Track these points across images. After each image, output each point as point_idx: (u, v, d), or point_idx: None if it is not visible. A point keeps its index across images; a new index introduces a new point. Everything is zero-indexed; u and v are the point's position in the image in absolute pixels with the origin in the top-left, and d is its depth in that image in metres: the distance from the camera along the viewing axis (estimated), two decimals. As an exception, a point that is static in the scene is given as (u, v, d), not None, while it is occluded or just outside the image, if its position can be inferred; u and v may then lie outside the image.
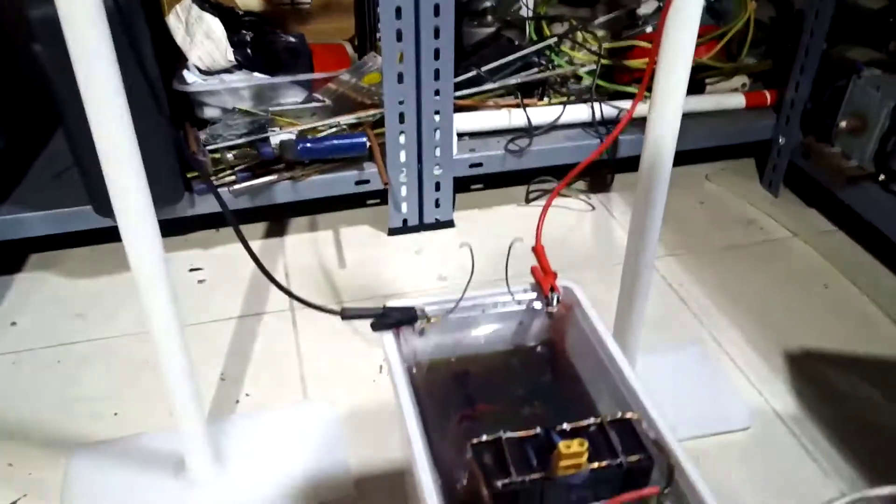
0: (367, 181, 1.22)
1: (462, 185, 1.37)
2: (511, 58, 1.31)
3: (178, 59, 1.19)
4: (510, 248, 0.63)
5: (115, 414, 0.94)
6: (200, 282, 1.18)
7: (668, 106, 0.77)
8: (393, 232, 1.29)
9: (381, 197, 1.32)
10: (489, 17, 1.43)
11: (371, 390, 0.98)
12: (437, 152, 1.22)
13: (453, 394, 0.61)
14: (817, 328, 1.10)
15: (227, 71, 1.18)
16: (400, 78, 1.13)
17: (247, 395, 0.97)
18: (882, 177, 1.16)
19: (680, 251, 1.26)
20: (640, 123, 1.21)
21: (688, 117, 1.37)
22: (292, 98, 1.23)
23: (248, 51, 1.18)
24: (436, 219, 1.29)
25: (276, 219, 1.32)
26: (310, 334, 1.07)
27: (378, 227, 1.31)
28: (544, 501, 0.49)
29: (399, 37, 1.09)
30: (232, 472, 0.85)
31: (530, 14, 1.42)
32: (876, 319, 1.12)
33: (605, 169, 1.35)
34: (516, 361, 0.66)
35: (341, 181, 1.21)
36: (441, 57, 1.13)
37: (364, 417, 0.93)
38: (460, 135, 1.29)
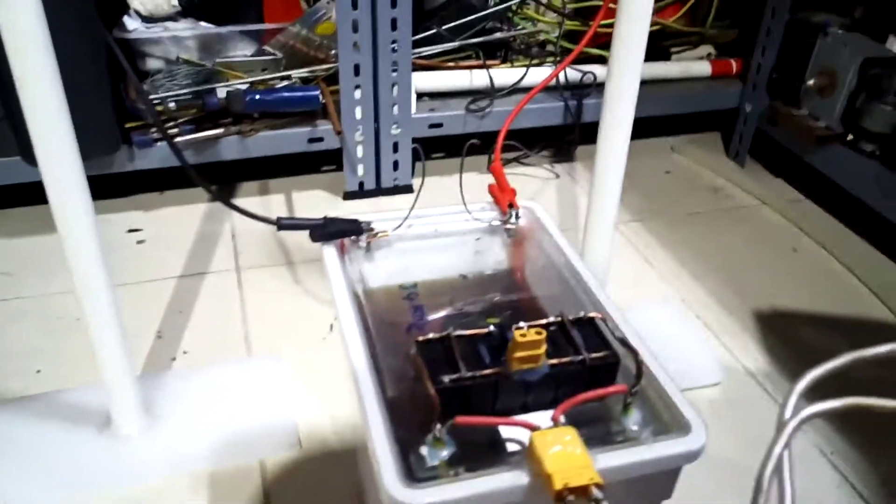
0: (320, 139, 1.16)
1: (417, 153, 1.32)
2: (471, 18, 1.26)
3: (121, 6, 1.12)
4: (465, 149, 0.57)
5: (38, 371, 0.86)
6: (140, 242, 1.10)
7: (628, 59, 0.72)
8: (349, 196, 1.22)
9: (337, 163, 1.26)
10: (450, -18, 1.39)
11: (320, 348, 0.91)
12: (395, 110, 1.16)
13: (402, 316, 0.55)
14: (786, 289, 1.06)
15: (172, 19, 1.12)
16: (355, 26, 1.07)
17: (185, 352, 0.90)
18: (850, 136, 1.14)
19: (646, 217, 1.22)
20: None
21: (653, 84, 1.36)
22: (241, 50, 1.16)
23: (194, -3, 1.11)
24: (394, 183, 1.23)
25: (226, 182, 1.25)
26: (256, 294, 1.00)
27: (333, 192, 1.24)
28: (499, 399, 0.44)
29: (354, -19, 1.04)
30: (163, 426, 0.77)
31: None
32: (845, 279, 1.08)
33: (569, 135, 1.31)
34: (472, 286, 0.59)
35: (293, 138, 1.15)
36: (398, 5, 1.08)
37: (313, 375, 0.86)
38: (420, 95, 1.24)
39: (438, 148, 1.36)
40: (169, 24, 1.11)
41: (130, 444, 0.75)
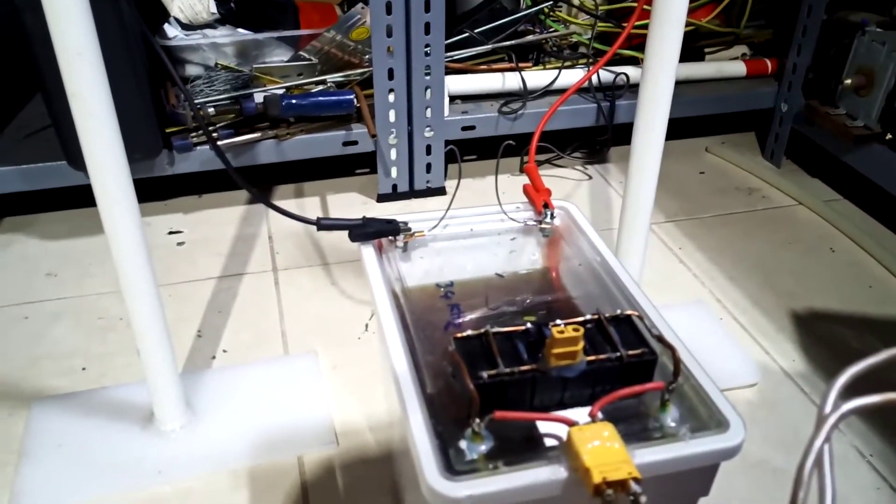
0: (355, 142, 1.17)
1: (450, 155, 1.33)
2: (503, 21, 1.27)
3: (162, 14, 1.15)
4: (501, 149, 0.58)
5: (83, 369, 0.89)
6: (180, 244, 1.13)
7: (663, 61, 0.72)
8: (382, 198, 1.24)
9: (371, 166, 1.27)
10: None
11: (356, 347, 0.92)
12: (428, 113, 1.18)
13: (440, 314, 0.56)
14: (824, 290, 1.05)
15: (210, 26, 1.14)
16: (389, 31, 1.09)
17: (224, 351, 0.92)
18: (889, 136, 1.12)
19: (680, 217, 1.22)
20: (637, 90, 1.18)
21: (688, 84, 1.35)
22: (277, 56, 1.19)
23: (232, 5, 1.13)
24: (427, 185, 1.24)
25: (262, 185, 1.27)
26: (293, 294, 1.02)
27: (367, 194, 1.26)
28: (536, 395, 0.44)
29: (388, -13, 1.05)
30: (204, 423, 0.79)
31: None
32: (885, 280, 1.07)
33: (602, 136, 1.31)
34: (508, 285, 0.60)
35: (328, 142, 1.16)
36: (431, 9, 1.09)
37: (349, 373, 0.88)
38: (452, 98, 1.25)
39: (471, 150, 1.36)
40: (208, 31, 1.14)
41: (172, 440, 0.77)
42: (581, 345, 0.43)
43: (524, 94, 1.25)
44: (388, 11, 1.07)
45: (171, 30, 1.13)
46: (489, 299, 0.57)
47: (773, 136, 1.36)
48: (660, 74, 0.75)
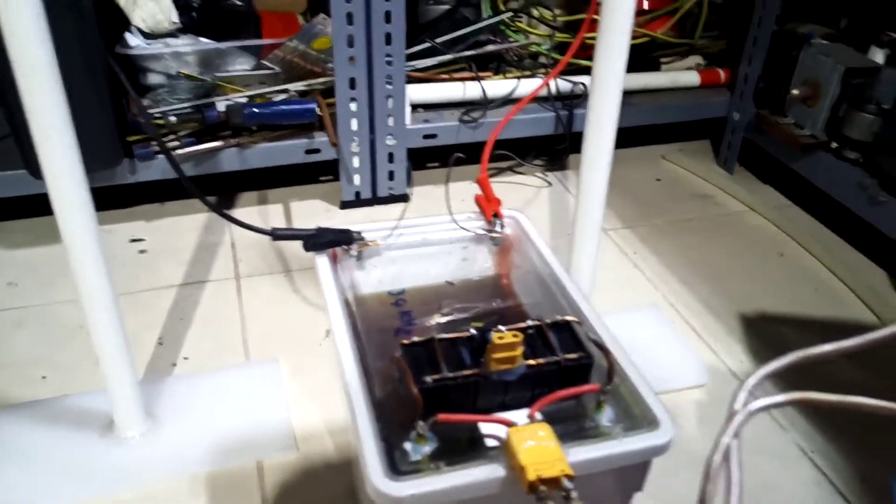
0: (317, 150, 1.19)
1: (418, 163, 1.35)
2: (464, 31, 1.30)
3: (124, 23, 1.15)
4: (451, 160, 0.60)
5: (44, 377, 0.89)
6: (142, 252, 1.13)
7: (610, 71, 0.75)
8: (346, 205, 1.25)
9: (334, 173, 1.29)
10: (445, -4, 1.42)
11: (317, 353, 0.94)
12: (390, 121, 1.19)
13: (391, 321, 0.58)
14: (773, 293, 1.08)
15: (172, 35, 1.15)
16: (350, 41, 1.10)
17: (185, 358, 0.93)
18: (834, 144, 1.17)
19: (636, 223, 1.25)
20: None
21: (643, 94, 1.39)
22: (240, 65, 1.20)
23: (194, 14, 1.14)
24: (390, 192, 1.26)
25: (225, 193, 1.28)
26: (254, 301, 1.03)
27: (330, 202, 1.27)
28: (478, 398, 0.46)
29: (348, -2, 1.07)
30: (164, 429, 0.80)
31: (486, -9, 1.41)
32: (830, 283, 1.11)
33: (561, 145, 1.34)
34: (459, 293, 0.62)
35: (290, 150, 1.18)
36: (392, 20, 1.11)
37: (309, 379, 0.89)
38: (414, 107, 1.27)
39: (434, 158, 1.39)
40: (170, 40, 1.14)
41: (132, 447, 0.78)
42: (520, 350, 0.46)
43: (485, 103, 1.27)
44: (350, 21, 1.09)
45: (133, 38, 1.13)
46: (440, 306, 0.59)
47: (726, 144, 1.40)
48: (608, 85, 0.77)
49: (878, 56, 1.16)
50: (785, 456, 0.82)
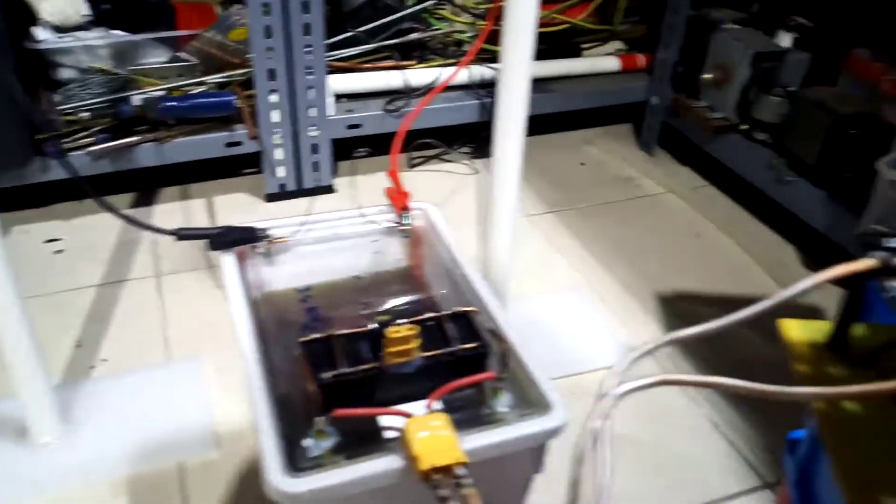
0: (238, 143, 1.17)
1: (345, 152, 1.35)
2: (387, 20, 1.30)
3: (31, 17, 1.11)
4: (357, 153, 0.60)
5: (-46, 386, 0.86)
6: (58, 252, 1.10)
7: (516, 63, 0.76)
8: (271, 198, 1.24)
9: (259, 165, 1.27)
10: (368, -16, 1.41)
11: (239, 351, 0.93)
12: (312, 112, 1.19)
13: (298, 317, 0.58)
14: (689, 271, 1.12)
15: (83, 28, 1.12)
16: (268, 31, 1.09)
17: (104, 360, 0.91)
18: (745, 126, 1.21)
19: (560, 208, 1.28)
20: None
21: (565, 80, 1.41)
22: (155, 57, 1.17)
23: (105, 6, 1.11)
24: (315, 183, 1.26)
25: (147, 188, 1.25)
26: (176, 299, 1.01)
27: (255, 194, 1.26)
28: (377, 391, 0.47)
29: (263, -12, 1.06)
30: (81, 434, 0.79)
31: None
32: (744, 263, 1.16)
33: (485, 131, 1.35)
34: (367, 286, 0.63)
35: (210, 143, 1.16)
36: (311, 10, 1.10)
37: (232, 377, 0.88)
38: (338, 96, 1.26)
39: (363, 145, 1.38)
40: (80, 33, 1.11)
41: (48, 452, 0.77)
42: (416, 343, 0.47)
43: (408, 92, 1.28)
44: (267, 12, 1.08)
45: (42, 33, 1.09)
46: (349, 300, 0.60)
47: (646, 127, 1.43)
48: (515, 72, 0.78)
49: (786, 40, 1.21)
50: (696, 429, 0.86)
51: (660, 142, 1.44)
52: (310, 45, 1.13)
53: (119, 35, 1.14)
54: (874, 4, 1.16)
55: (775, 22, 1.25)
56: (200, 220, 1.19)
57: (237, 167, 1.31)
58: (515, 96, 0.79)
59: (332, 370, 0.46)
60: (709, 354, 0.95)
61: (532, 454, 0.49)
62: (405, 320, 0.48)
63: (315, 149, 1.22)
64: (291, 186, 1.24)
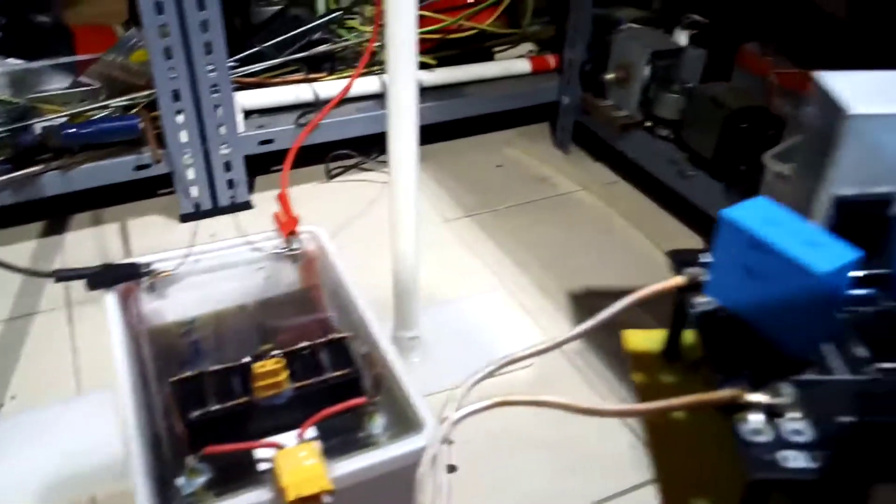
0: (147, 165, 1.16)
1: (262, 167, 1.35)
2: (294, 33, 1.30)
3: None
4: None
5: None
6: (-37, 287, 1.08)
7: (401, 75, 0.77)
8: (186, 218, 1.24)
9: (172, 186, 1.26)
10: (276, -5, 1.41)
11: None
12: (222, 130, 1.18)
13: (180, 353, 0.59)
14: (601, 267, 1.16)
15: (-25, 57, 1.09)
16: (167, 53, 1.08)
17: (12, 397, 0.90)
18: (648, 123, 1.25)
19: (477, 211, 1.30)
20: (432, 93, 1.26)
21: (478, 84, 1.43)
22: (56, 84, 1.15)
23: (-3, 34, 1.09)
24: (231, 201, 1.25)
25: (56, 216, 1.23)
26: (87, 329, 1.00)
27: (170, 216, 1.25)
28: (251, 425, 0.48)
29: (160, 9, 1.05)
30: (-14, 476, 0.78)
31: (317, -10, 1.41)
32: (654, 256, 1.19)
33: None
34: (254, 315, 0.64)
35: (118, 167, 1.15)
36: (210, 29, 1.09)
37: (144, 403, 0.88)
38: (249, 112, 1.26)
39: (277, 161, 1.38)
40: (-28, 63, 1.09)
41: (-48, 498, 0.76)
42: (284, 374, 0.48)
43: (320, 105, 1.28)
44: (165, 34, 1.07)
45: (-70, 64, 1.07)
46: (233, 331, 0.60)
47: (559, 127, 1.46)
48: (401, 80, 0.79)
49: (682, 38, 1.25)
50: (603, 424, 0.88)
51: (575, 139, 1.47)
52: (213, 64, 1.12)
53: (15, 63, 1.12)
54: (760, 0, 1.21)
55: (673, 20, 1.30)
56: (114, 246, 1.18)
57: (151, 189, 1.29)
58: (403, 105, 0.80)
59: (202, 407, 0.47)
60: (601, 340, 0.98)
61: (410, 472, 0.50)
62: (279, 351, 0.50)
63: (228, 166, 1.22)
64: (207, 205, 1.24)
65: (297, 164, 1.38)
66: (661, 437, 0.36)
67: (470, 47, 1.42)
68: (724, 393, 0.29)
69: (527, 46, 1.52)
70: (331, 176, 1.39)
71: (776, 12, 1.22)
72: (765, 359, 0.30)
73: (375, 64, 1.36)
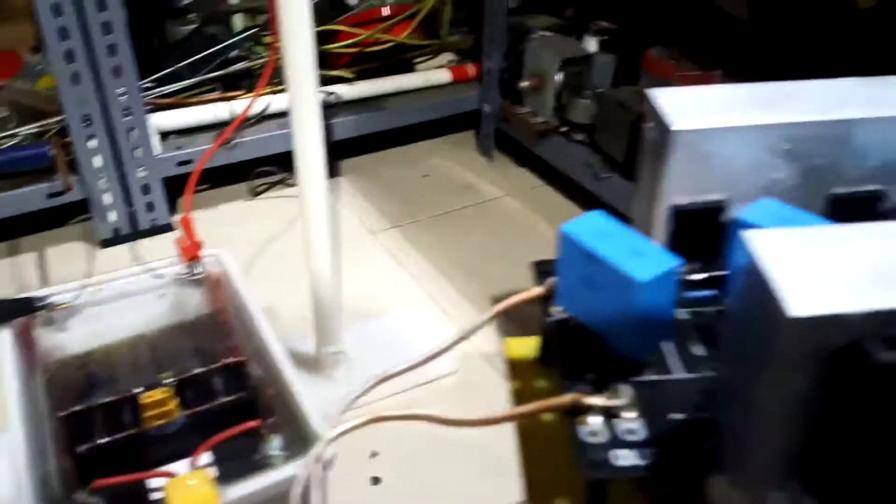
0: (61, 192, 1.14)
1: (184, 188, 1.33)
2: (210, 51, 1.29)
3: None
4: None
5: None
6: None
7: (303, 92, 0.78)
8: (106, 244, 1.22)
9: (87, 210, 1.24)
10: (192, 14, 1.40)
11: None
12: (138, 153, 1.17)
13: (76, 386, 0.58)
14: (522, 273, 1.18)
15: None
16: (75, 78, 1.07)
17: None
18: (564, 129, 1.28)
19: (402, 222, 1.31)
20: (353, 106, 1.27)
21: (398, 96, 1.45)
22: (-40, 113, 1.12)
23: None
24: (152, 224, 1.24)
25: (-31, 248, 1.20)
26: None
27: (90, 242, 1.23)
28: (143, 455, 0.48)
29: (64, 34, 1.04)
30: None
31: (235, 6, 1.41)
32: (574, 256, 1.22)
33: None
34: (154, 343, 0.64)
35: (30, 196, 1.13)
36: (118, 53, 1.08)
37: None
38: (166, 133, 1.25)
39: (202, 181, 1.37)
40: None
41: None
42: (174, 403, 0.48)
43: (240, 123, 1.27)
44: (70, 59, 1.06)
45: None
46: (132, 362, 0.60)
47: (482, 133, 1.49)
48: (302, 96, 0.80)
49: (592, 44, 1.28)
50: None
51: (499, 146, 1.50)
52: (124, 87, 1.11)
53: (-86, 93, 1.09)
54: (665, 4, 1.25)
55: (584, 27, 1.33)
56: (31, 275, 1.16)
57: (70, 215, 1.27)
58: (306, 120, 0.81)
59: (90, 441, 0.47)
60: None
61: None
62: (172, 379, 0.50)
63: (146, 189, 1.21)
64: (126, 230, 1.22)
65: (221, 182, 1.39)
66: (526, 441, 0.37)
67: (390, 59, 1.43)
68: (566, 398, 0.30)
69: (447, 57, 1.54)
70: (255, 193, 1.38)
71: (680, 16, 1.26)
72: (608, 363, 0.31)
73: (294, 80, 1.36)
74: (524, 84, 1.30)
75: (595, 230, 0.32)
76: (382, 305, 1.11)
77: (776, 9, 1.17)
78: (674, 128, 0.32)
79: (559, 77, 1.25)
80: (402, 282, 1.17)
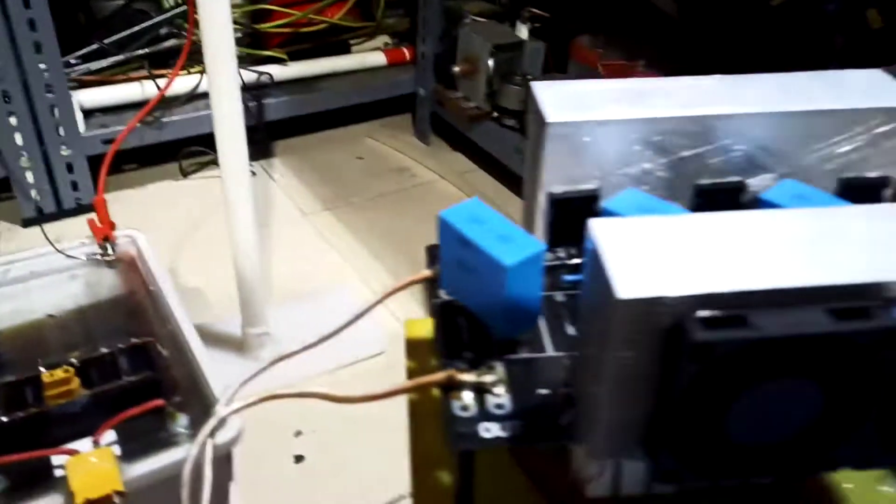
0: (-22, 171, 1.11)
1: (114, 166, 1.31)
2: (138, 28, 1.27)
3: None
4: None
5: None
6: None
7: (222, 74, 0.78)
8: (29, 223, 1.19)
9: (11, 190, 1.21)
10: (120, -10, 1.37)
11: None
12: (61, 131, 1.15)
13: None
14: (453, 255, 1.20)
15: None
16: (-8, 54, 1.04)
17: None
18: (496, 114, 1.30)
19: (335, 205, 1.31)
20: (287, 87, 1.26)
21: (332, 77, 1.44)
22: None
23: None
24: (77, 203, 1.22)
25: None
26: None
27: (11, 220, 1.20)
28: (46, 433, 0.49)
29: (-20, 8, 1.01)
30: None
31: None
32: (503, 240, 1.25)
33: (255, 135, 1.36)
34: (65, 324, 0.63)
35: (-53, 173, 1.09)
36: (38, 28, 1.06)
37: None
38: (91, 111, 1.23)
39: (131, 160, 1.35)
40: None
41: None
42: (76, 382, 0.48)
43: (167, 102, 1.26)
44: (-13, 33, 1.03)
45: None
46: (41, 342, 0.60)
47: (418, 116, 1.50)
48: (221, 77, 0.80)
49: (523, 31, 1.30)
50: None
51: (435, 130, 1.51)
52: (45, 63, 1.09)
53: None
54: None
55: (517, 13, 1.35)
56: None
57: (-10, 194, 1.24)
58: (225, 101, 0.81)
59: (-8, 421, 0.47)
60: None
61: (218, 465, 0.52)
62: (74, 360, 0.50)
63: (70, 168, 1.19)
64: (50, 209, 1.20)
65: (151, 162, 1.37)
66: (414, 418, 0.39)
67: (324, 41, 1.43)
68: (441, 374, 0.32)
69: (383, 39, 1.54)
70: (185, 174, 1.37)
71: (609, 6, 1.29)
72: (485, 343, 0.33)
73: (226, 59, 1.35)
74: (457, 69, 1.31)
75: (470, 216, 0.34)
76: (312, 286, 1.12)
77: (702, 4, 1.21)
78: (549, 120, 0.34)
79: (491, 63, 1.26)
80: (333, 263, 1.17)
